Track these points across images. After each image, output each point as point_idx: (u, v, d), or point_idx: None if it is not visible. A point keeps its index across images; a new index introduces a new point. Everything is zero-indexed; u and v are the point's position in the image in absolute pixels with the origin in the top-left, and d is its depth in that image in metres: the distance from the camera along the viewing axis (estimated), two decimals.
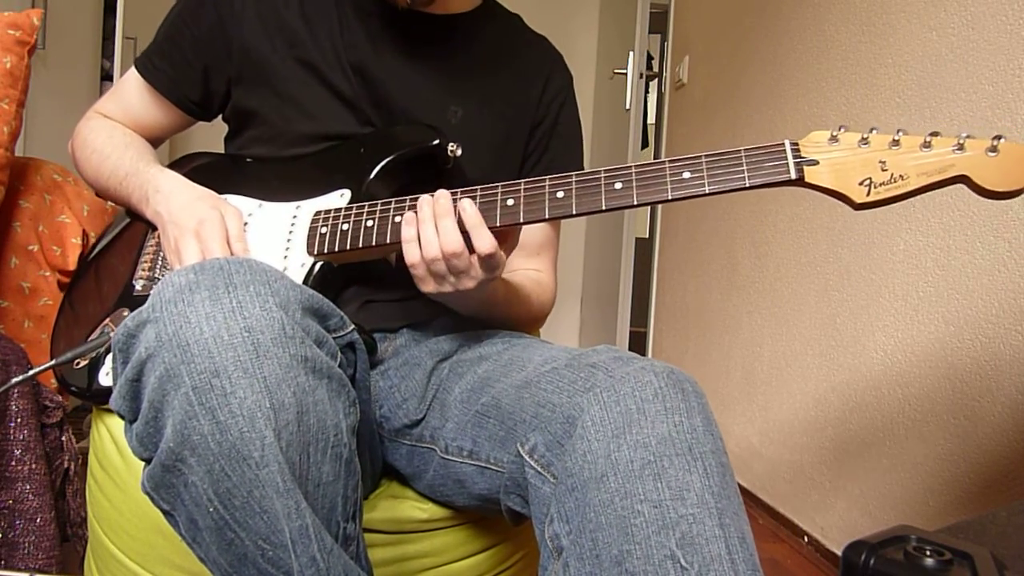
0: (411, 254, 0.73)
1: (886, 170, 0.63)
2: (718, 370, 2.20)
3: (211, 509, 0.55)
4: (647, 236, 3.46)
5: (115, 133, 0.96)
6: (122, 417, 0.59)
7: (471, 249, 0.71)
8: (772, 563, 1.62)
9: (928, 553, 0.56)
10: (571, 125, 1.03)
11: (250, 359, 0.54)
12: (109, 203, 1.19)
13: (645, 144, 3.31)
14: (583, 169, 1.01)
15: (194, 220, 0.81)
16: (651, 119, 3.68)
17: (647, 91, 3.19)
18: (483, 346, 0.82)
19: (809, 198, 1.74)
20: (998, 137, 0.61)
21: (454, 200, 0.73)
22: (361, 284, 0.87)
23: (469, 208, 0.72)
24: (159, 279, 0.85)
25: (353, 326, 0.68)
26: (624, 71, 2.90)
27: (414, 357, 0.85)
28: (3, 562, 0.93)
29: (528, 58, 1.00)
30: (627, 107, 2.90)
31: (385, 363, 0.85)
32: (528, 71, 0.98)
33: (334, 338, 0.65)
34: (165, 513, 0.59)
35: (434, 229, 0.72)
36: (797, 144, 0.66)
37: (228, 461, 0.53)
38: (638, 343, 2.94)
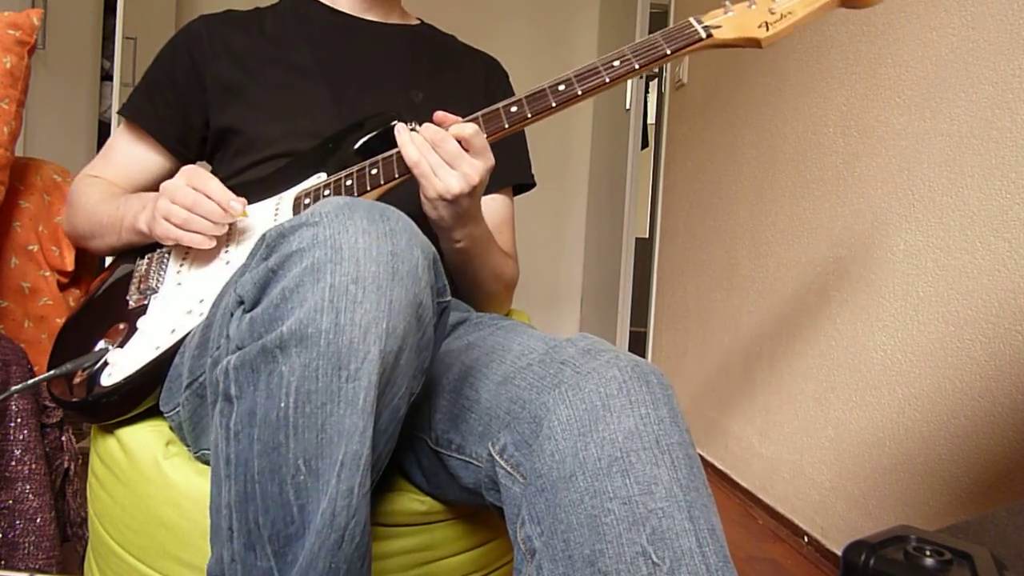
0: (410, 154, 0.80)
1: (775, 12, 0.77)
2: (718, 370, 2.20)
3: (282, 404, 0.55)
4: (647, 236, 3.46)
5: (113, 189, 1.02)
6: (240, 303, 0.61)
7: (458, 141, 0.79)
8: (772, 563, 1.62)
9: (928, 553, 0.56)
10: None
11: (387, 280, 0.56)
12: None
13: (645, 144, 3.31)
14: (527, 153, 1.15)
15: (181, 171, 0.86)
16: (651, 119, 3.68)
17: (647, 91, 3.19)
18: (471, 334, 0.83)
19: (808, 198, 1.74)
20: None
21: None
22: None
23: (436, 115, 0.83)
24: (152, 288, 0.87)
25: (451, 297, 0.69)
26: None
27: None
28: (3, 562, 0.93)
29: (468, 62, 1.13)
30: (627, 107, 2.90)
31: None
32: (471, 69, 1.11)
33: (437, 302, 0.66)
34: (224, 397, 0.59)
35: (418, 129, 0.80)
36: (699, 17, 0.80)
37: (327, 362, 0.54)
38: (638, 343, 2.94)
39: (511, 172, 1.12)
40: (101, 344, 0.83)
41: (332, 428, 0.55)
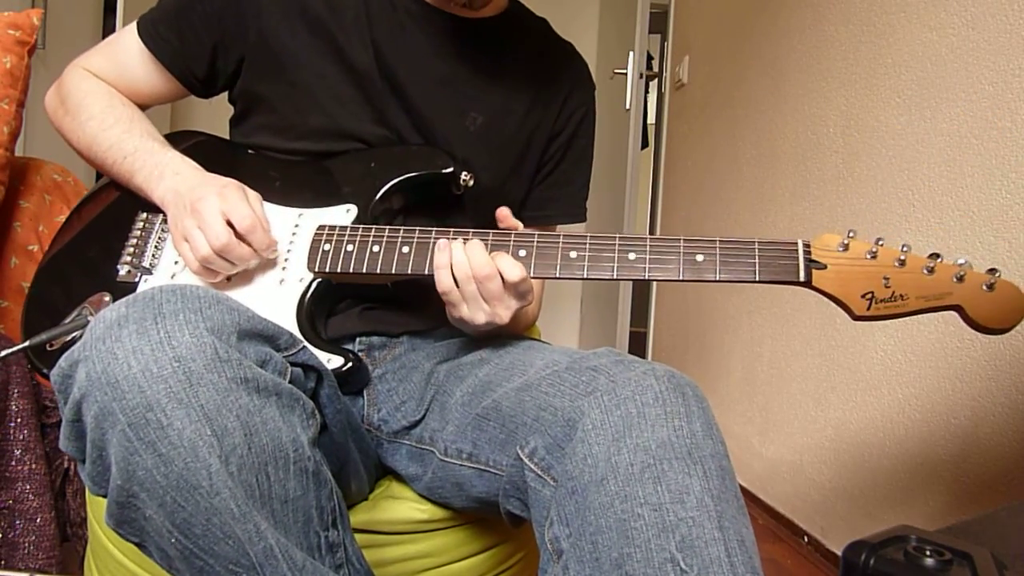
0: (443, 280, 0.73)
1: (888, 287, 0.65)
2: (718, 370, 2.20)
3: (173, 540, 0.55)
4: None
5: (115, 102, 0.90)
6: (73, 457, 0.59)
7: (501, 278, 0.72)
8: (772, 563, 1.62)
9: (928, 553, 0.56)
10: (586, 140, 1.02)
11: (183, 389, 0.53)
12: None
13: (645, 144, 3.30)
14: (588, 184, 1.01)
15: (217, 184, 0.79)
16: (651, 119, 3.68)
17: (647, 91, 3.19)
18: (484, 350, 0.81)
19: (808, 198, 1.74)
20: (994, 271, 0.63)
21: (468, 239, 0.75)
22: (360, 296, 0.86)
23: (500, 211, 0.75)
24: (144, 267, 0.83)
25: (304, 343, 0.67)
26: (624, 71, 2.90)
27: (412, 361, 0.85)
28: (3, 562, 0.93)
29: (551, 69, 0.98)
30: (627, 107, 2.89)
31: (383, 367, 0.85)
32: (550, 83, 0.96)
33: (285, 356, 0.64)
34: (138, 545, 0.59)
35: (463, 252, 0.72)
36: (809, 246, 0.68)
37: (179, 492, 0.53)
38: (638, 343, 2.94)
39: (560, 212, 1.01)
40: (80, 313, 0.80)
41: (231, 537, 0.54)
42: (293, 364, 0.65)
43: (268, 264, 0.81)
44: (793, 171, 1.83)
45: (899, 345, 1.41)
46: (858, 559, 0.57)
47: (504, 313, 0.73)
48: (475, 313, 0.73)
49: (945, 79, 1.32)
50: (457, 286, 0.73)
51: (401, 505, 0.81)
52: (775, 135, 1.94)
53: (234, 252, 0.76)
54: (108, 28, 2.63)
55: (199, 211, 0.76)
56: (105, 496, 0.57)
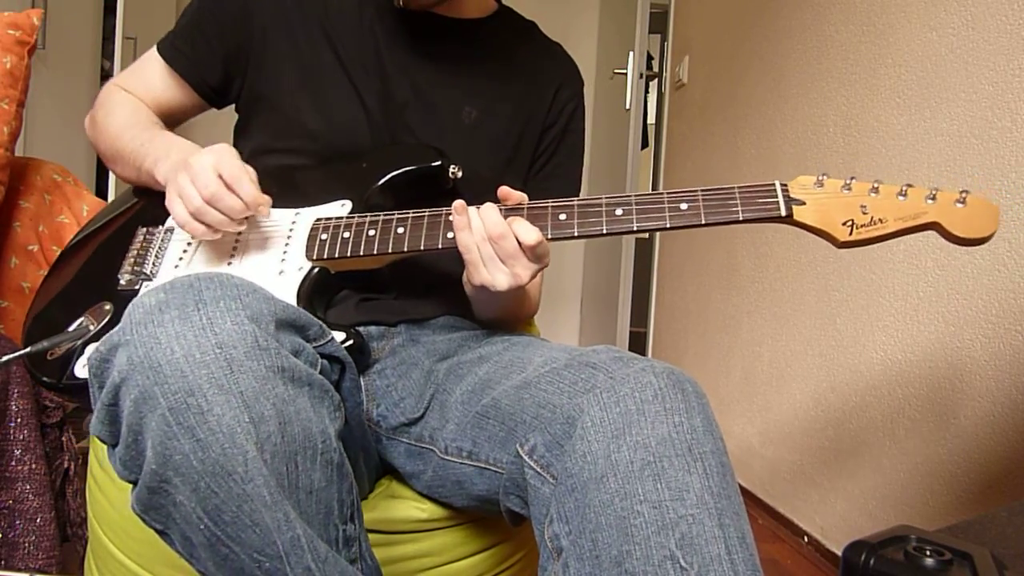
0: (463, 240, 0.74)
1: (867, 213, 0.69)
2: (718, 370, 2.20)
3: (202, 526, 0.55)
4: (647, 236, 3.46)
5: (140, 109, 0.97)
6: (104, 442, 0.59)
7: (517, 241, 0.73)
8: (772, 563, 1.62)
9: (928, 553, 0.56)
10: (579, 132, 1.05)
11: (224, 375, 0.54)
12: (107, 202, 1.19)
13: (645, 144, 3.30)
14: (581, 174, 1.05)
15: (211, 147, 0.80)
16: (651, 119, 3.68)
17: (647, 91, 3.19)
18: (482, 347, 0.82)
19: None
20: (965, 191, 0.67)
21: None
22: (357, 285, 0.87)
23: (501, 191, 0.77)
24: (145, 274, 0.84)
25: (332, 335, 0.68)
26: (624, 71, 2.90)
27: (411, 357, 0.85)
28: (3, 562, 0.93)
29: (541, 64, 1.01)
30: (627, 107, 2.90)
31: (382, 362, 0.85)
32: (541, 76, 1.00)
33: (314, 347, 0.65)
34: (159, 532, 0.59)
35: (477, 216, 0.74)
36: (786, 185, 0.72)
37: (213, 478, 0.53)
38: (638, 343, 2.94)
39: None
40: (83, 322, 0.81)
41: (259, 524, 0.55)
42: (321, 356, 0.66)
43: (267, 260, 0.83)
44: (793, 171, 1.83)
45: (899, 345, 1.41)
46: (858, 559, 0.57)
47: (524, 273, 0.74)
48: (495, 275, 0.74)
49: (945, 79, 1.32)
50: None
51: (402, 504, 0.81)
52: (775, 135, 1.94)
53: (223, 201, 0.76)
54: (108, 28, 2.63)
55: (191, 165, 0.77)
56: (134, 482, 0.57)
